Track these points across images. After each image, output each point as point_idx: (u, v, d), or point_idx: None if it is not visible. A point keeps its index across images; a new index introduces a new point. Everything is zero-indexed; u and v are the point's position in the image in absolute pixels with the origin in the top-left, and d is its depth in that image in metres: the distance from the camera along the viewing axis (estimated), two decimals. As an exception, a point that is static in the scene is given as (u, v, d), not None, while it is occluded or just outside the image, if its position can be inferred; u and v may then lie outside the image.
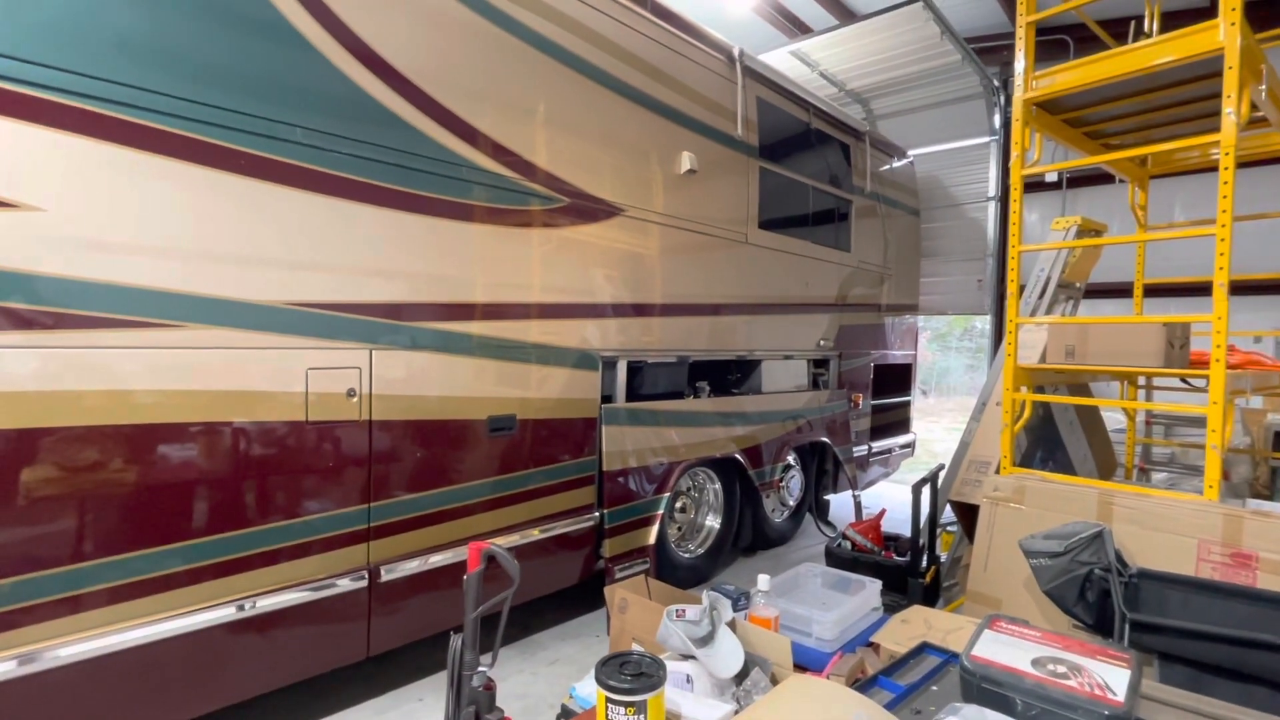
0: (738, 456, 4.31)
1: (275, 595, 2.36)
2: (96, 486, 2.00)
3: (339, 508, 2.53)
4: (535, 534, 3.25)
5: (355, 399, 2.56)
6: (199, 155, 2.16)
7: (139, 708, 2.11)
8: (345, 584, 2.54)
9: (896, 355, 6.43)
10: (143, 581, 2.09)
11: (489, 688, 1.77)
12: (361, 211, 2.56)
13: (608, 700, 1.40)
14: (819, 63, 6.69)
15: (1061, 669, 1.64)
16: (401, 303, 2.69)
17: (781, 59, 6.38)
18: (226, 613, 2.25)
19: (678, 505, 4.13)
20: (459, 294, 2.89)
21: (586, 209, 3.41)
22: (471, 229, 2.92)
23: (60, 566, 1.94)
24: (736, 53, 4.39)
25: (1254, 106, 2.94)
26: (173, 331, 2.12)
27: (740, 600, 2.39)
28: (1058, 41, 6.68)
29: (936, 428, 12.26)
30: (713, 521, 4.36)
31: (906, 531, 3.66)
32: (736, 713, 1.56)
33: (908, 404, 6.74)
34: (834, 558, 3.82)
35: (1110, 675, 1.62)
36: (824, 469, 5.43)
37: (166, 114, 2.09)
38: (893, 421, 6.43)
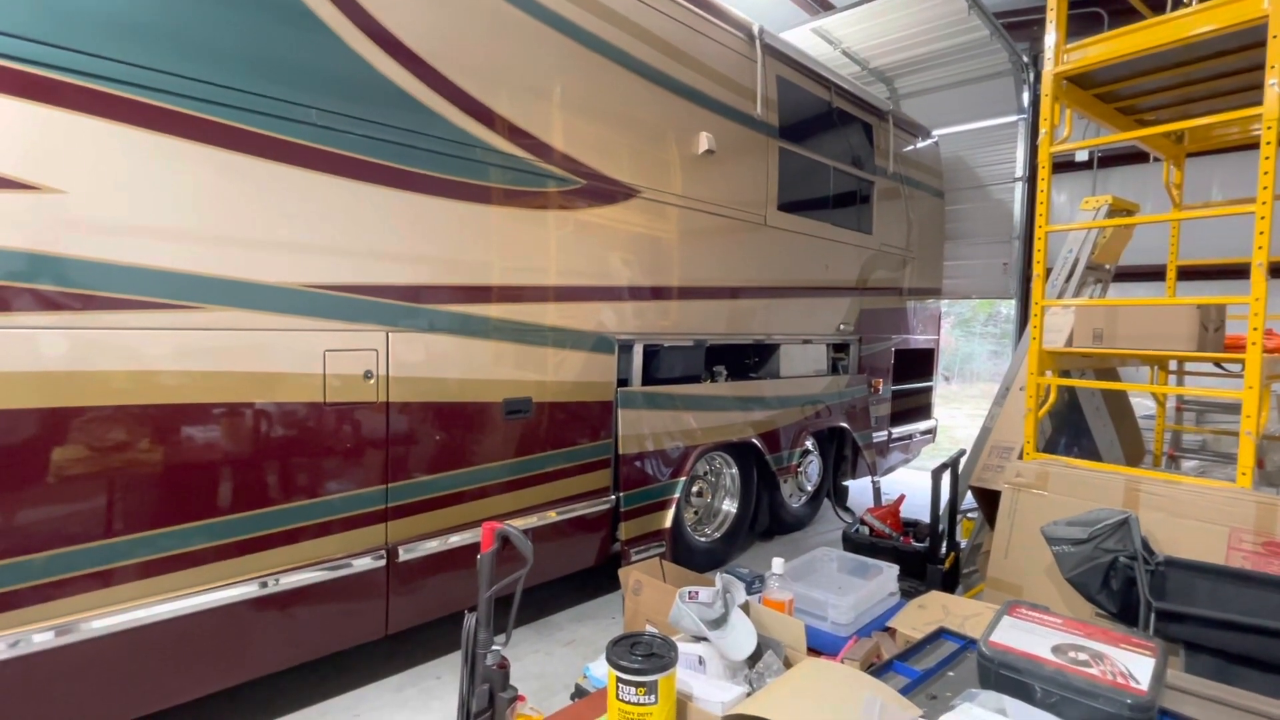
0: (755, 441, 4.29)
1: (296, 573, 2.40)
2: (121, 465, 2.03)
3: (357, 488, 2.56)
4: (552, 516, 3.26)
5: (372, 381, 2.57)
6: (214, 137, 2.17)
7: (167, 680, 2.16)
8: (364, 563, 2.58)
9: (918, 340, 6.33)
10: (169, 558, 2.13)
11: (503, 666, 1.78)
12: (376, 193, 2.56)
13: (618, 680, 1.40)
14: (841, 40, 6.54)
15: (1083, 656, 1.60)
16: (418, 285, 2.70)
17: (803, 37, 6.25)
18: (250, 590, 2.29)
19: (694, 489, 4.13)
20: (475, 276, 2.89)
21: (603, 190, 3.38)
22: (487, 211, 2.91)
23: (91, 542, 1.99)
24: (756, 30, 4.30)
25: (1299, 78, 2.80)
26: (190, 313, 2.14)
27: (754, 583, 2.38)
28: (1091, 15, 6.44)
29: (959, 414, 12.10)
30: (729, 506, 4.35)
31: (926, 517, 3.62)
32: (749, 695, 1.56)
33: (929, 390, 6.64)
34: (851, 543, 3.79)
35: (1134, 663, 1.58)
36: (843, 454, 5.38)
37: (182, 95, 2.10)
38: (914, 407, 6.34)
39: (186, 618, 2.16)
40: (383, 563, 2.63)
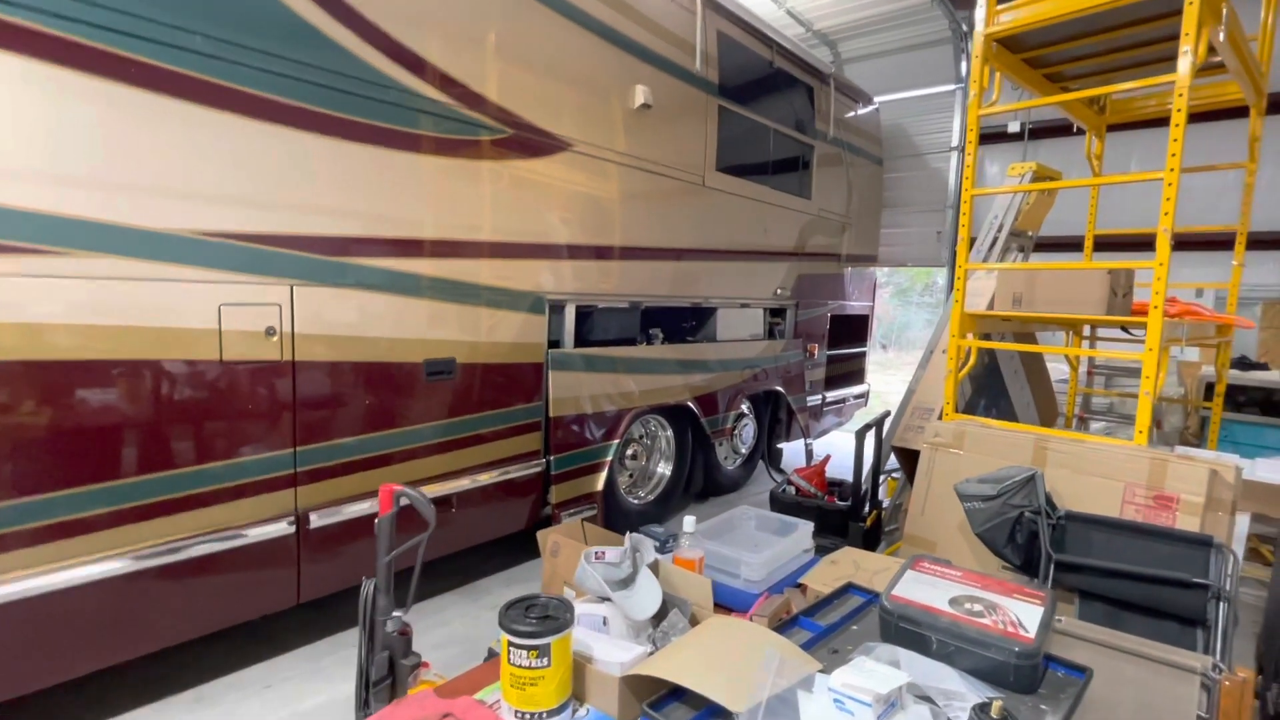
0: (690, 404, 4.28)
1: (196, 540, 2.27)
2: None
3: (262, 451, 2.42)
4: (481, 479, 3.19)
5: (275, 338, 2.42)
6: (86, 62, 1.94)
7: (60, 655, 2.03)
8: (271, 530, 2.46)
9: (854, 306, 6.42)
10: (53, 525, 1.98)
11: (404, 633, 1.72)
12: (278, 134, 2.37)
13: (509, 644, 1.36)
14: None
15: (978, 608, 1.65)
16: (325, 236, 2.53)
17: (747, -7, 6.10)
18: (145, 558, 2.15)
19: (629, 452, 4.11)
20: (388, 229, 2.73)
21: (528, 141, 3.23)
22: (400, 158, 2.74)
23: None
24: (696, -19, 4.16)
25: (1212, 50, 2.87)
26: (61, 259, 1.94)
27: (668, 542, 2.38)
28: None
29: (894, 380, 12.46)
30: (664, 468, 4.36)
31: (851, 477, 3.69)
32: (650, 654, 1.55)
33: (863, 355, 6.78)
34: (778, 503, 3.86)
35: (1024, 613, 1.63)
36: (777, 417, 5.46)
37: (44, 13, 1.86)
38: (848, 372, 6.47)
39: (79, 588, 2.02)
40: (293, 529, 2.52)
